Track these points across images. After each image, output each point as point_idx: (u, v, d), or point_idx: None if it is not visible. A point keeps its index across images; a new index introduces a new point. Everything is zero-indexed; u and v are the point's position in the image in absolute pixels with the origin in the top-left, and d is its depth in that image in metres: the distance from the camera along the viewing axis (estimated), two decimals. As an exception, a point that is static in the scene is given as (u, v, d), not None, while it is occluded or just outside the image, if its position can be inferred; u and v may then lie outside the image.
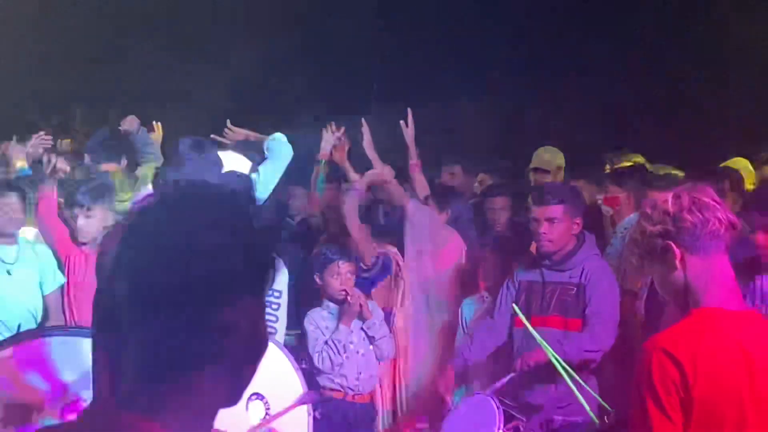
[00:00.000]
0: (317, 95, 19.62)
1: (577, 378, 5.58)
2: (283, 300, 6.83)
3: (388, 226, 7.85)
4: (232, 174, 7.08)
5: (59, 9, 19.38)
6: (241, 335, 1.93)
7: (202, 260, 1.88)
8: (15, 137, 8.58)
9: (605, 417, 4.64)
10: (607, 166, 9.44)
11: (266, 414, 5.35)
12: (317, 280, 7.10)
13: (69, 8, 19.37)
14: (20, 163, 8.23)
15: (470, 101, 17.66)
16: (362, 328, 7.08)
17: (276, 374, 5.51)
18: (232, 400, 1.98)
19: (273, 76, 20.41)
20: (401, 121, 8.54)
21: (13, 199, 6.73)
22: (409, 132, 8.55)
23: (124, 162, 8.83)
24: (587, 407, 5.48)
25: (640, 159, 9.28)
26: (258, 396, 5.32)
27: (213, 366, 1.92)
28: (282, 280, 6.70)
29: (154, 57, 19.63)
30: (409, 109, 8.61)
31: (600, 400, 4.97)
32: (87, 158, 8.83)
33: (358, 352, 7.02)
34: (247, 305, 1.95)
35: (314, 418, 5.73)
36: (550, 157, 9.33)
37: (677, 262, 3.60)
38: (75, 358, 5.39)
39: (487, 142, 14.75)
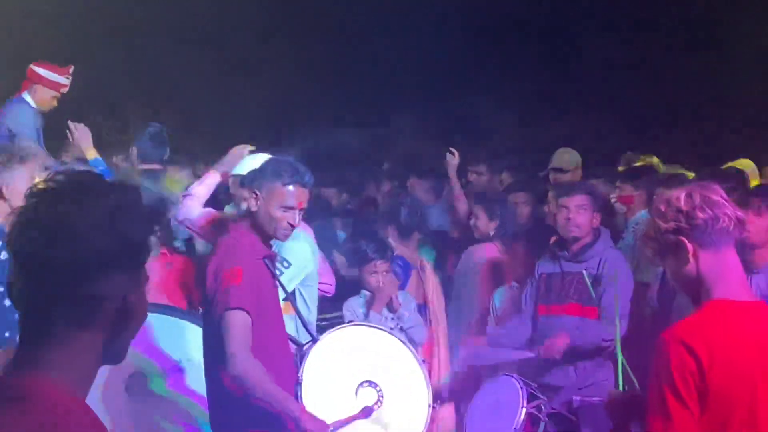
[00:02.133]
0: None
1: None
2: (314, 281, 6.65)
3: (411, 224, 7.85)
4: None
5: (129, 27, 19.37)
6: (112, 305, 2.12)
7: (79, 240, 2.06)
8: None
9: (626, 393, 4.64)
10: (620, 166, 9.47)
11: (378, 401, 5.23)
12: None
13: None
14: (91, 153, 7.68)
15: (492, 104, 17.59)
16: (391, 316, 7.06)
17: (395, 366, 5.42)
18: (112, 359, 2.22)
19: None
20: (448, 152, 8.67)
21: None
22: (452, 163, 8.64)
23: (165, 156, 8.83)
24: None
25: (653, 159, 9.28)
26: (371, 383, 5.26)
27: (89, 330, 2.12)
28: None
29: (203, 69, 19.58)
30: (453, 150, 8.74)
31: (630, 372, 4.98)
32: (133, 152, 8.70)
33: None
34: (118, 281, 2.12)
35: None
36: (569, 158, 9.37)
37: (690, 257, 3.60)
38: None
39: (507, 142, 14.68)
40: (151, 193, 6.88)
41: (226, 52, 20.50)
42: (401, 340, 5.57)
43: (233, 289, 4.95)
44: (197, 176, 8.03)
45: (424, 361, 5.41)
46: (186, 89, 19.46)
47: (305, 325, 5.74)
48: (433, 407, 5.42)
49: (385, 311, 7.02)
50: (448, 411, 7.30)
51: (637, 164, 8.93)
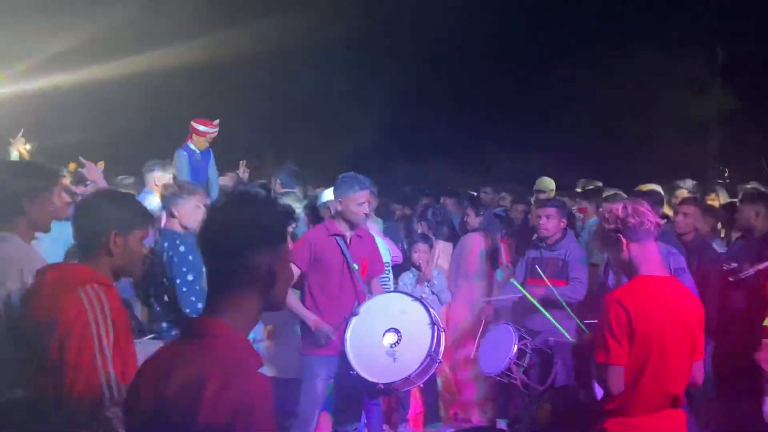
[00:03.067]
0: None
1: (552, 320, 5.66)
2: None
3: (434, 222, 7.81)
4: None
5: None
6: (262, 271, 2.18)
7: (243, 230, 2.17)
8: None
9: (582, 336, 4.63)
10: (578, 188, 9.41)
11: (398, 341, 5.16)
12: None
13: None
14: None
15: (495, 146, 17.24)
16: (427, 285, 7.12)
17: (412, 318, 5.29)
18: (272, 307, 2.27)
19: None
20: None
21: None
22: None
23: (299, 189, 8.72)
24: (564, 332, 5.53)
25: (599, 184, 9.23)
26: (395, 330, 5.19)
27: (250, 288, 2.19)
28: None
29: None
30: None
31: (581, 324, 4.95)
32: (277, 185, 8.68)
33: (429, 297, 6.91)
34: (265, 255, 2.19)
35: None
36: (548, 183, 9.36)
37: (623, 248, 3.66)
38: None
39: (506, 172, 14.49)
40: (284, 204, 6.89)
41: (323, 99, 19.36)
42: (421, 302, 5.42)
43: (292, 248, 5.12)
44: (306, 196, 8.23)
45: (435, 323, 5.21)
46: (299, 127, 18.88)
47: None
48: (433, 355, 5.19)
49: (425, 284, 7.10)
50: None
51: (589, 187, 8.87)
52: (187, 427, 1.96)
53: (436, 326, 5.18)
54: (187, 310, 4.91)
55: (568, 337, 5.51)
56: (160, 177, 7.17)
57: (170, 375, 2.05)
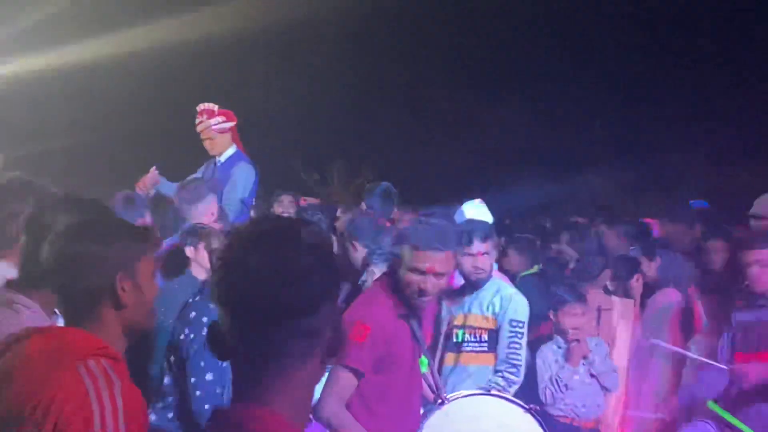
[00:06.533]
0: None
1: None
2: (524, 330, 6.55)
3: (584, 268, 7.86)
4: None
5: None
6: (324, 337, 2.18)
7: (297, 279, 2.13)
8: None
9: None
10: None
11: None
12: (551, 316, 7.03)
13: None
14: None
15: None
16: (584, 363, 6.94)
17: None
18: (321, 377, 2.30)
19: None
20: None
21: None
22: None
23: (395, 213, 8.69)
24: None
25: None
26: None
27: (309, 361, 2.17)
28: (524, 312, 6.53)
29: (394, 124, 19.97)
30: None
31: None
32: (363, 206, 8.66)
33: (584, 382, 6.88)
34: (329, 311, 2.18)
35: None
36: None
37: None
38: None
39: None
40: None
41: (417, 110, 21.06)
42: (536, 419, 5.27)
43: (354, 346, 4.87)
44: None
45: None
46: (381, 146, 19.87)
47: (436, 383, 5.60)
48: None
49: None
50: None
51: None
52: None
53: None
54: (200, 422, 5.00)
55: None
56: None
57: None
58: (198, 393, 5.09)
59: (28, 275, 3.59)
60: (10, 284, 3.67)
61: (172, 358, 5.32)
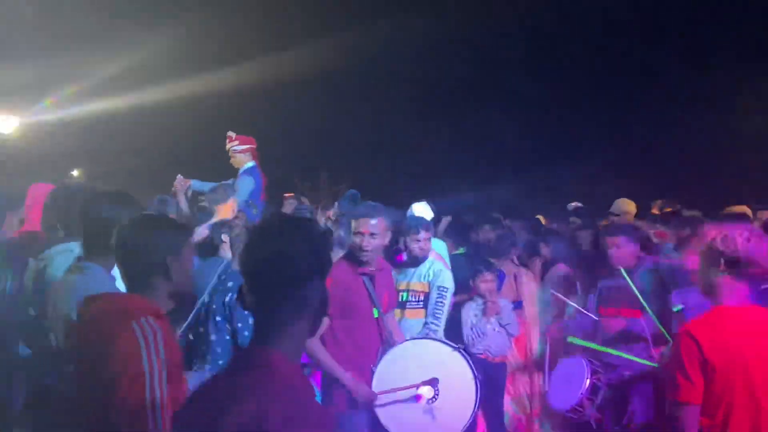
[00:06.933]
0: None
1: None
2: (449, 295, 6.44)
3: (498, 247, 7.73)
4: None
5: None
6: (312, 305, 2.23)
7: (299, 261, 2.19)
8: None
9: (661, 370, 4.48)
10: (655, 210, 9.20)
11: (435, 395, 4.91)
12: (471, 283, 7.01)
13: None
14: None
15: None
16: (495, 317, 6.91)
17: (451, 370, 5.06)
18: (312, 334, 2.28)
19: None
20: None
21: None
22: None
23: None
24: (642, 361, 5.38)
25: (677, 206, 9.01)
26: (432, 383, 4.93)
27: (303, 318, 2.21)
28: (449, 282, 6.44)
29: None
30: None
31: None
32: (336, 206, 8.62)
33: (494, 330, 6.85)
34: (318, 284, 2.22)
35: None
36: (624, 205, 9.18)
37: (718, 273, 3.47)
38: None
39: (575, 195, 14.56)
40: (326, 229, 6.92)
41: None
42: (464, 356, 5.15)
43: None
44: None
45: (476, 377, 4.97)
46: (352, 165, 19.95)
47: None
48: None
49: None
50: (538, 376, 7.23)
51: (666, 210, 8.71)
52: None
53: (477, 380, 4.97)
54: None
55: (649, 363, 5.41)
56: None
57: (226, 409, 2.04)
58: (246, 333, 4.99)
59: (97, 252, 3.59)
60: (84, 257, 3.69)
61: (217, 317, 5.18)
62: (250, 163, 8.35)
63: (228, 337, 5.12)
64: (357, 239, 5.21)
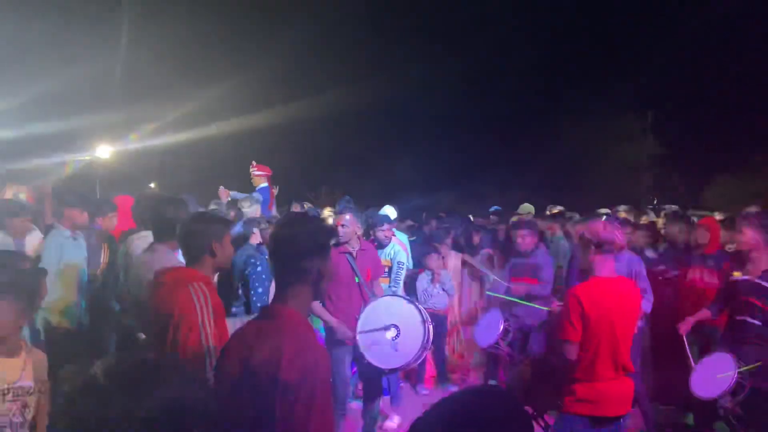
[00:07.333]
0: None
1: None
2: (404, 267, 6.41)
3: (437, 235, 7.64)
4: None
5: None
6: (313, 274, 2.17)
7: (302, 243, 2.16)
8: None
9: (551, 319, 4.49)
10: (548, 212, 9.20)
11: (397, 335, 4.78)
12: (423, 261, 7.01)
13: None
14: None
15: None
16: (439, 284, 6.94)
17: (408, 317, 4.91)
18: (317, 298, 2.24)
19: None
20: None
21: None
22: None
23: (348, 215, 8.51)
24: (541, 307, 5.35)
25: (561, 208, 8.95)
26: (394, 326, 4.82)
27: (306, 283, 2.17)
28: (405, 258, 6.42)
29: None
30: None
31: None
32: (336, 208, 8.32)
33: (439, 293, 6.88)
34: (317, 261, 2.17)
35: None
36: (528, 208, 9.03)
37: (591, 254, 3.55)
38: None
39: (495, 200, 14.45)
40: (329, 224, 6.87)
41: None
42: (416, 306, 4.99)
43: None
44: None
45: (425, 320, 4.83)
46: (347, 178, 19.68)
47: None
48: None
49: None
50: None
51: (554, 211, 8.69)
52: (271, 384, 1.96)
53: (426, 323, 4.88)
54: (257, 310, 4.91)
55: (544, 308, 5.43)
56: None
57: (254, 347, 2.05)
58: (254, 299, 5.00)
59: (164, 239, 3.61)
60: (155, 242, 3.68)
61: (241, 284, 5.20)
62: (264, 184, 8.31)
63: (251, 292, 5.16)
64: (338, 229, 5.24)
